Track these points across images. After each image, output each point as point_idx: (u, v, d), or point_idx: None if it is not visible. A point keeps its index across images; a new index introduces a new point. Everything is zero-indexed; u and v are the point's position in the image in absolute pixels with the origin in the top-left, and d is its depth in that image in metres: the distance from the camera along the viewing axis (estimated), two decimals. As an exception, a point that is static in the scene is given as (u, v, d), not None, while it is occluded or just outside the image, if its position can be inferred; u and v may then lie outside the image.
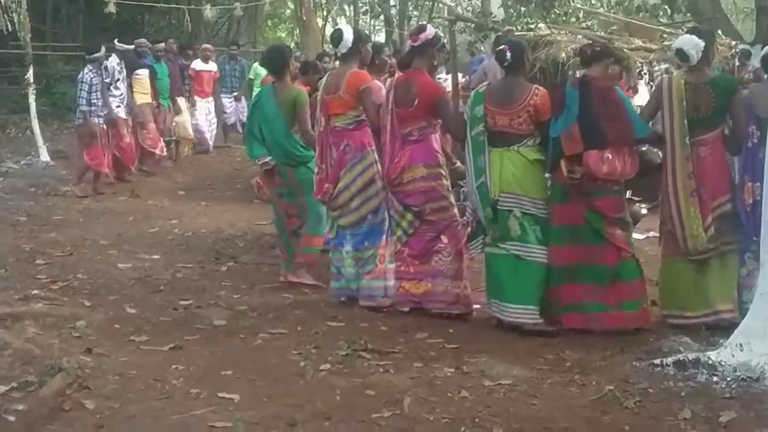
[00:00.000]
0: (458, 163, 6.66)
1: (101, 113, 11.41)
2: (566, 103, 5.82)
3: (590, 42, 6.19)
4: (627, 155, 5.79)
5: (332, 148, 6.48)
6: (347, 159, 6.42)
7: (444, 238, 6.19)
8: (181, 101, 14.20)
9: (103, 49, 11.57)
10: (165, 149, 13.41)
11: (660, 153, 6.05)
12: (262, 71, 15.44)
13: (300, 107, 6.96)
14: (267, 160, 7.01)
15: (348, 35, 6.45)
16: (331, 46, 6.66)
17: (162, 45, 13.80)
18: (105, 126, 11.53)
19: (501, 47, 6.04)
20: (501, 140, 5.89)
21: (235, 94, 15.55)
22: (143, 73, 12.80)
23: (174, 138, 14.04)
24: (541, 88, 5.95)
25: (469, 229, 6.15)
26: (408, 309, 6.29)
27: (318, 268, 7.26)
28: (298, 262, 7.13)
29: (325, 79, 6.72)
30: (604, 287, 5.81)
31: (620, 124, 5.76)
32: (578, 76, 6.26)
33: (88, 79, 11.12)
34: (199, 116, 14.90)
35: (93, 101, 11.17)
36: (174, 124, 13.87)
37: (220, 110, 15.74)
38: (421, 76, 6.19)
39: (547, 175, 5.96)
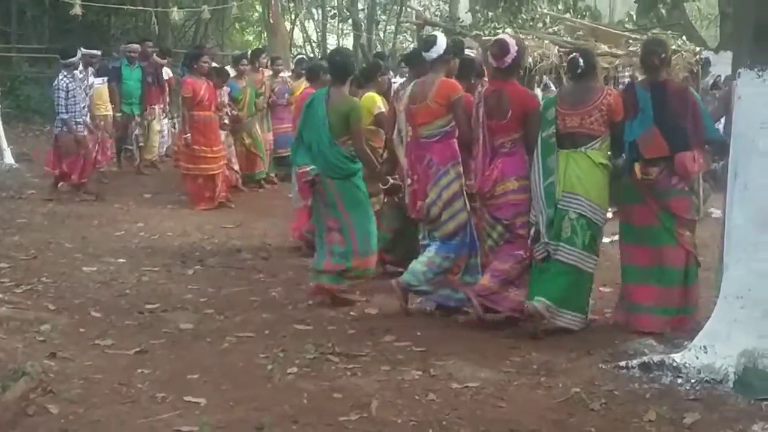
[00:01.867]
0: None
1: (80, 119, 10.94)
2: (640, 107, 5.84)
3: (654, 49, 6.05)
4: (699, 155, 5.85)
5: (419, 161, 6.33)
6: (432, 173, 6.23)
7: (527, 251, 6.06)
8: (157, 110, 13.64)
9: (79, 53, 11.14)
10: (116, 157, 13.13)
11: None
12: None
13: (355, 122, 6.49)
14: (307, 170, 6.53)
15: (441, 42, 6.29)
16: (422, 50, 6.42)
17: (136, 46, 13.36)
18: (85, 132, 11.06)
19: (573, 55, 6.08)
20: (569, 142, 5.90)
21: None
22: (98, 84, 12.47)
23: (132, 148, 13.40)
24: (613, 89, 6.00)
25: (533, 231, 6.03)
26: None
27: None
28: (331, 271, 6.63)
29: (410, 88, 6.47)
30: (675, 289, 5.86)
31: (699, 125, 5.79)
32: (640, 79, 6.29)
33: (64, 85, 10.65)
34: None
35: (71, 108, 10.74)
36: (138, 132, 13.23)
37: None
38: (511, 87, 6.08)
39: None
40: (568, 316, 5.84)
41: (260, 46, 22.10)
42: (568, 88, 6.31)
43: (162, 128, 14.19)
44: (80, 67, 11.39)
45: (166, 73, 14.31)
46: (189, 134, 10.66)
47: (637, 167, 5.83)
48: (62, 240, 8.75)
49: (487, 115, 6.02)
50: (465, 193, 6.26)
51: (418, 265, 6.29)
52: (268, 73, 13.01)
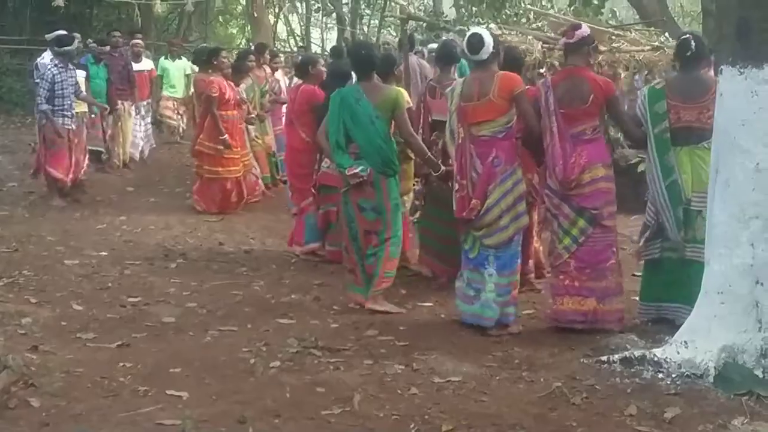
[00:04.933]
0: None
1: (68, 113, 10.24)
2: None
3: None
4: None
5: (476, 161, 5.92)
6: (497, 172, 5.84)
7: (614, 249, 5.85)
8: (128, 107, 12.95)
9: (76, 41, 10.52)
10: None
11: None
12: (171, 66, 14.83)
13: (400, 110, 6.35)
14: (357, 170, 6.25)
15: (489, 39, 5.94)
16: (467, 53, 6.11)
17: (107, 48, 12.57)
18: (74, 127, 10.38)
19: (685, 36, 5.86)
20: (686, 137, 5.65)
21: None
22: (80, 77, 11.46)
23: (101, 149, 12.24)
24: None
25: (648, 233, 5.85)
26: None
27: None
28: (378, 287, 6.42)
29: (460, 87, 6.09)
30: None
31: None
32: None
33: (50, 76, 9.98)
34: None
35: (56, 100, 10.06)
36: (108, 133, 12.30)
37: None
38: (587, 72, 5.87)
39: None
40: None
41: (246, 40, 22.02)
42: (678, 78, 5.96)
43: (136, 127, 13.30)
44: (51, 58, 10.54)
45: (148, 64, 13.92)
46: (226, 135, 9.96)
47: None
48: (44, 233, 8.72)
49: (559, 103, 5.78)
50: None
51: (489, 295, 5.87)
52: (269, 70, 12.56)
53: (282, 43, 33.84)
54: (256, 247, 8.63)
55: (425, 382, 4.82)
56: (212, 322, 5.96)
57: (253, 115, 11.00)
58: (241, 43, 30.92)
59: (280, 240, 8.84)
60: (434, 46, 11.25)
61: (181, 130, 15.37)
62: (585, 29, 5.92)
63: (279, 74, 12.90)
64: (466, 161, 5.95)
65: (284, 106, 11.85)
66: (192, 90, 13.50)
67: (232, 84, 10.37)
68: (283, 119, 12.59)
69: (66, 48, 10.21)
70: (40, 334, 5.54)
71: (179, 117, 15.27)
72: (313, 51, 28.92)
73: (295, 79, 12.28)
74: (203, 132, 10.16)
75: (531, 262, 6.91)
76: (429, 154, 6.63)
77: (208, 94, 10.06)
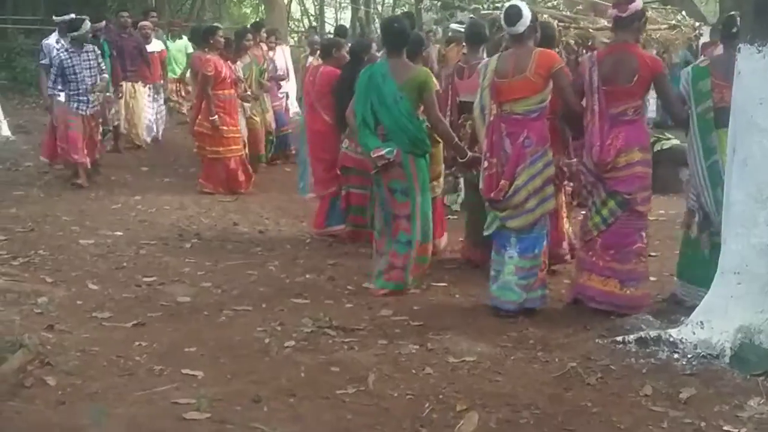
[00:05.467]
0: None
1: (83, 98, 10.00)
2: None
3: None
4: None
5: (506, 140, 5.78)
6: (527, 153, 5.70)
7: (644, 234, 5.73)
8: (139, 87, 12.76)
9: (87, 24, 10.12)
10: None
11: None
12: (172, 47, 14.50)
13: (428, 92, 6.18)
14: (383, 152, 6.14)
15: (527, 12, 5.75)
16: (504, 25, 5.85)
17: (102, 24, 11.90)
18: (89, 112, 10.13)
19: (731, 14, 5.69)
20: (728, 117, 5.20)
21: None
22: None
23: (109, 128, 12.12)
24: None
25: (697, 217, 5.75)
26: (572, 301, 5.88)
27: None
28: (416, 273, 6.36)
29: (494, 62, 5.90)
30: None
31: None
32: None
33: (58, 60, 9.82)
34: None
35: (71, 85, 9.88)
36: (113, 112, 11.99)
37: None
38: (635, 49, 5.67)
39: None
40: None
41: (258, 20, 21.91)
42: (723, 57, 5.74)
43: (147, 107, 13.08)
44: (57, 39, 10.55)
45: (158, 45, 13.61)
46: (216, 116, 9.94)
47: None
48: (59, 213, 8.74)
49: (603, 81, 5.61)
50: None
51: (508, 277, 5.77)
52: (266, 48, 12.60)
53: (296, 23, 33.77)
54: (271, 227, 8.64)
55: (440, 362, 4.81)
56: (227, 302, 5.98)
57: (248, 93, 10.97)
58: (255, 21, 30.86)
59: (293, 220, 8.85)
60: (454, 26, 11.20)
61: (185, 110, 15.19)
62: (638, 2, 5.67)
63: (279, 52, 12.87)
64: (497, 139, 5.81)
65: (283, 83, 11.91)
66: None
67: (229, 63, 10.34)
68: (281, 96, 12.70)
69: (76, 33, 9.99)
70: (56, 313, 5.56)
71: (181, 98, 15.07)
72: (327, 31, 28.80)
73: (310, 59, 12.32)
74: (201, 113, 10.12)
75: (564, 243, 6.75)
76: (456, 139, 6.49)
77: (204, 72, 10.02)
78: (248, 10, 36.42)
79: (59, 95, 10.03)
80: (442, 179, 7.45)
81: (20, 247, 7.26)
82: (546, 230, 5.89)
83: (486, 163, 5.85)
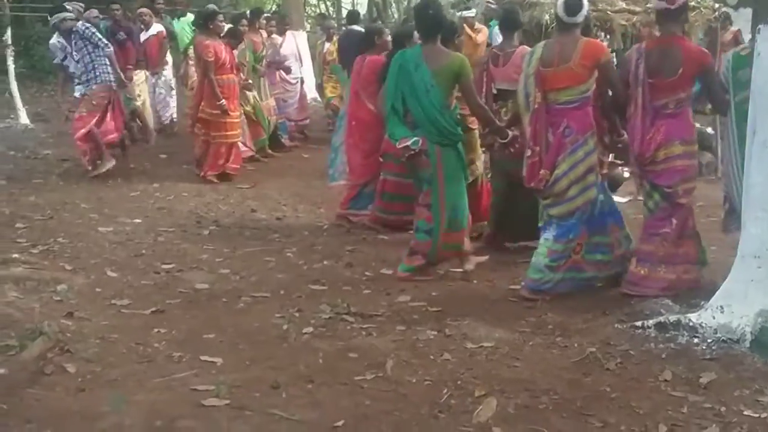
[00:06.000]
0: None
1: (101, 78, 9.87)
2: None
3: None
4: None
5: (549, 129, 5.77)
6: (567, 142, 5.69)
7: (674, 221, 5.67)
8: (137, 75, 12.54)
9: (60, 15, 10.04)
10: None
11: None
12: (177, 25, 14.07)
13: (466, 78, 6.04)
14: (408, 143, 6.01)
15: (586, 3, 5.78)
16: (564, 14, 5.71)
17: (94, 12, 11.75)
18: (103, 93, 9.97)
19: None
20: None
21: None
22: None
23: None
24: None
25: (727, 205, 5.75)
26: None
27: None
28: (442, 256, 6.34)
29: (540, 50, 5.87)
30: None
31: None
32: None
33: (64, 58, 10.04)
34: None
35: (89, 74, 9.82)
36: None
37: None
38: (682, 42, 5.62)
39: None
40: None
41: (276, 4, 21.84)
42: None
43: (141, 92, 12.76)
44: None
45: (156, 28, 13.01)
46: (223, 100, 9.89)
47: None
48: (78, 200, 8.78)
49: (648, 73, 5.58)
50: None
51: (539, 258, 5.80)
52: (266, 34, 12.46)
53: (312, 8, 33.66)
54: (288, 213, 8.65)
55: (458, 348, 4.81)
56: (245, 289, 5.99)
57: (250, 81, 11.00)
58: (271, 8, 30.78)
59: (311, 207, 8.86)
60: (469, 13, 11.12)
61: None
62: None
63: (289, 38, 12.77)
64: (540, 128, 5.79)
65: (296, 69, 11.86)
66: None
67: (229, 47, 10.29)
68: (294, 81, 12.66)
69: (66, 28, 9.95)
70: (75, 300, 5.59)
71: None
72: (343, 16, 28.71)
73: (327, 45, 12.29)
74: (204, 98, 10.07)
75: None
76: (497, 122, 6.40)
77: (204, 58, 9.97)
78: (265, -4, 36.36)
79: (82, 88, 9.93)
80: (479, 162, 7.41)
81: (39, 235, 7.29)
82: (585, 217, 5.83)
83: (529, 152, 5.84)
